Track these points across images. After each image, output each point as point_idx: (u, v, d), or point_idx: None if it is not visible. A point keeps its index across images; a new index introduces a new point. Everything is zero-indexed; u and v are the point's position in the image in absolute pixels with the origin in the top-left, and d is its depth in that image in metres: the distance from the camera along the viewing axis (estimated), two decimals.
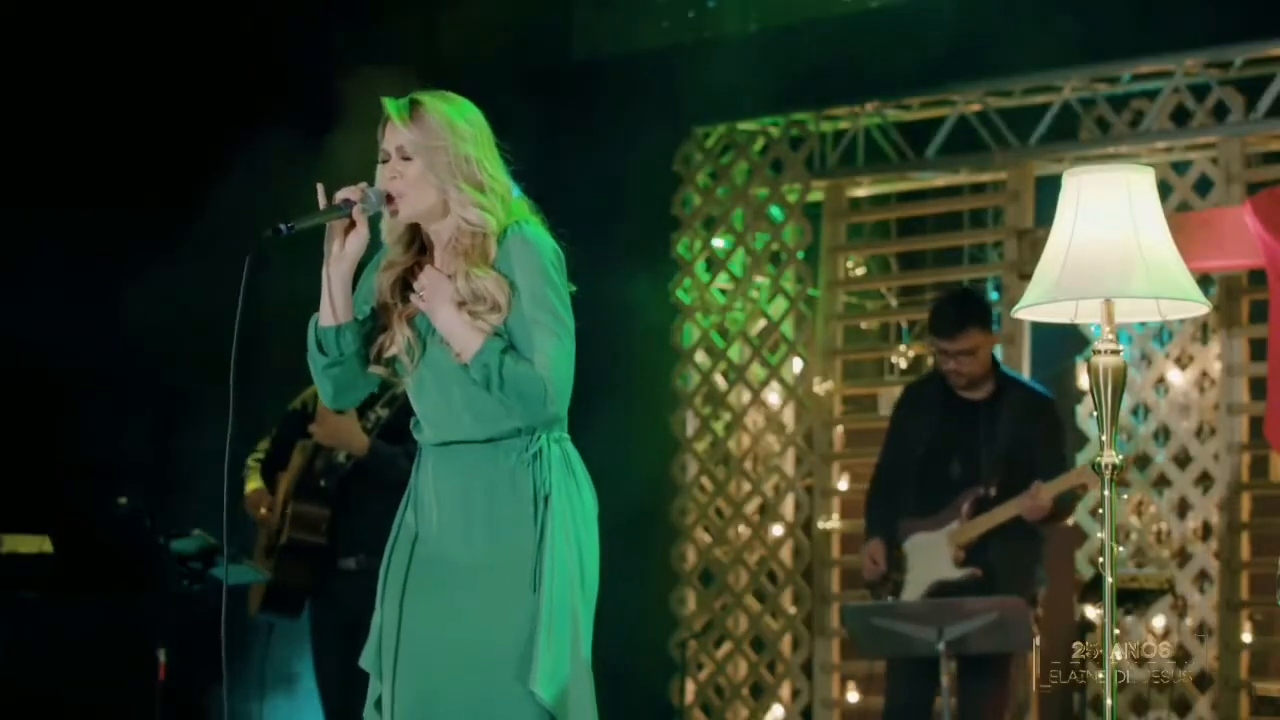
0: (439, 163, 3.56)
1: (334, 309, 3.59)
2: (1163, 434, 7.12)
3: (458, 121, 3.60)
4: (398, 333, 3.65)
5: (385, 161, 3.61)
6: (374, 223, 3.65)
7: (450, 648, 3.56)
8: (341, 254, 3.58)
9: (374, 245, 3.68)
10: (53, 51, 7.42)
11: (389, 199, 3.59)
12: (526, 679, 3.49)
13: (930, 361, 6.49)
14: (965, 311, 6.21)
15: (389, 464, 5.79)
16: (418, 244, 3.69)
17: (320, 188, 3.58)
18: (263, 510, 6.27)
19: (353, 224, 3.57)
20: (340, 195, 3.57)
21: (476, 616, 3.56)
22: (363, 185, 3.59)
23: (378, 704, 3.67)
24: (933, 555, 6.11)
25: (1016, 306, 3.68)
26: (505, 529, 3.57)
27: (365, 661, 3.71)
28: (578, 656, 3.57)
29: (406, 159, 3.58)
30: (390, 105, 3.59)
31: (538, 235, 3.61)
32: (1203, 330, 7.04)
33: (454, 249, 3.61)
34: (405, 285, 3.66)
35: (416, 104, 3.59)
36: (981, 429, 6.16)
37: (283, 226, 3.50)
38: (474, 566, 3.58)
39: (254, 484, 6.33)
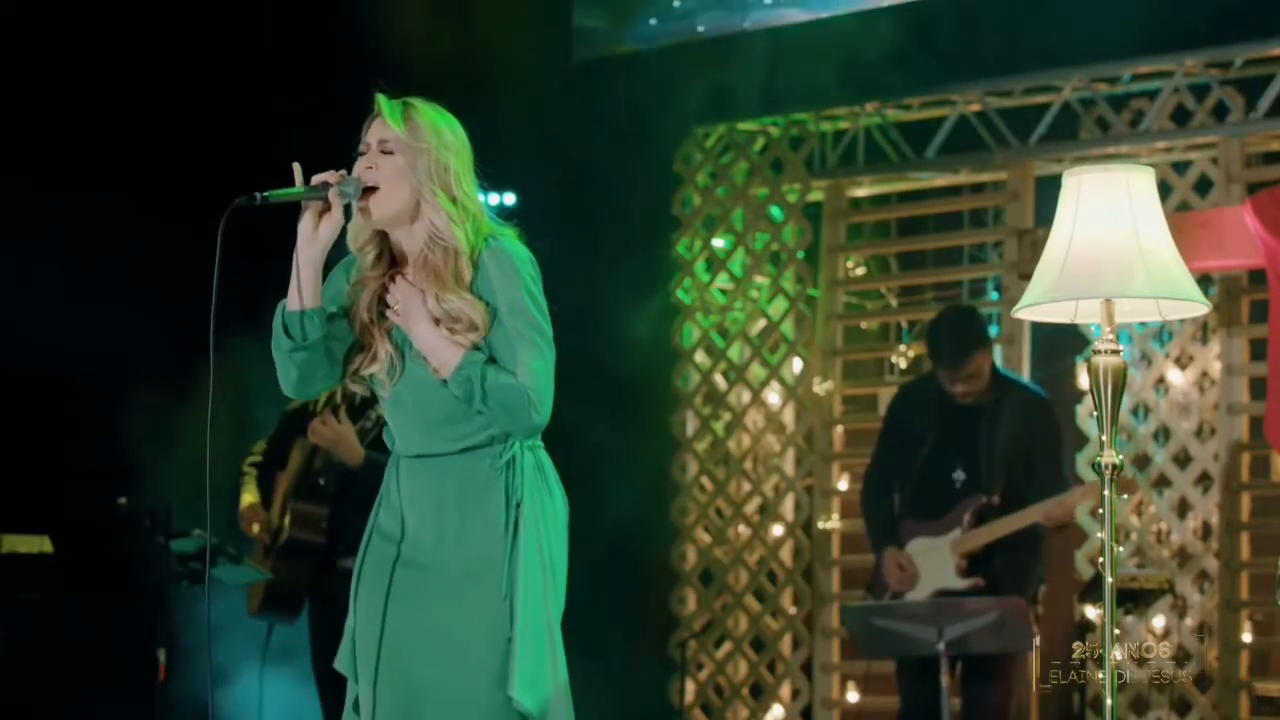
0: (419, 164, 3.56)
1: (301, 294, 3.56)
2: (1163, 434, 7.12)
3: (444, 130, 3.62)
4: (379, 349, 3.63)
5: (364, 154, 3.61)
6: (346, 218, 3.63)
7: (428, 655, 3.55)
8: (314, 237, 3.56)
9: (340, 246, 3.67)
10: (55, 62, 7.43)
11: (365, 191, 3.58)
12: (506, 685, 3.48)
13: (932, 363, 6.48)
14: (965, 338, 6.18)
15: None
16: (388, 257, 3.67)
17: (297, 166, 3.58)
18: (255, 528, 6.26)
19: (327, 207, 3.56)
20: (318, 178, 3.56)
21: (452, 623, 3.54)
22: (342, 171, 3.59)
23: (355, 706, 3.66)
24: (935, 562, 6.12)
25: (1016, 306, 3.68)
26: (477, 535, 3.56)
27: (340, 664, 3.70)
28: (555, 662, 3.56)
29: (387, 153, 3.58)
30: (383, 100, 3.61)
31: (513, 247, 3.60)
32: (1203, 330, 7.04)
33: (424, 265, 3.59)
34: (382, 302, 3.65)
35: (408, 105, 3.61)
36: (982, 433, 6.15)
37: (257, 195, 3.50)
38: (447, 573, 3.57)
39: (250, 497, 6.30)
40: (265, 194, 3.50)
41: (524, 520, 3.55)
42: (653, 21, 8.30)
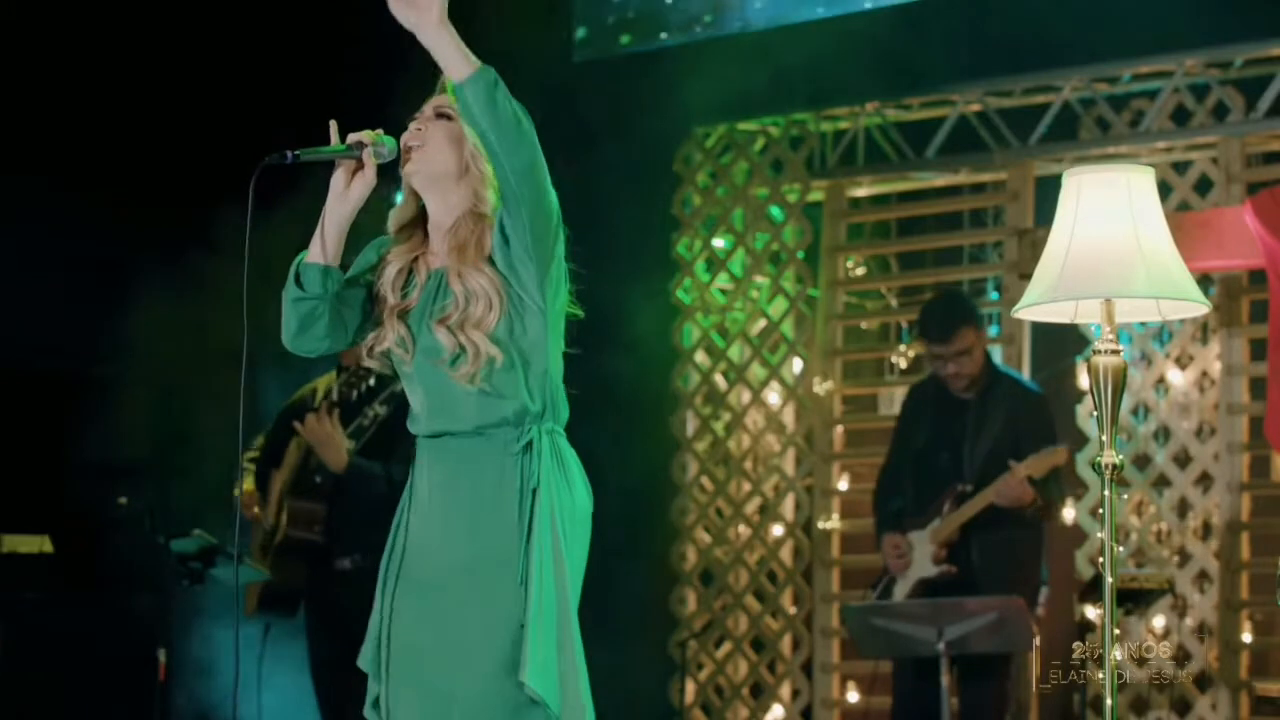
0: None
1: (323, 248, 3.57)
2: (1163, 434, 7.12)
3: None
4: (389, 328, 3.64)
5: (415, 119, 3.61)
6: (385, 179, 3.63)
7: (439, 644, 3.54)
8: (344, 195, 3.57)
9: (379, 223, 3.68)
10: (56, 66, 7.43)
11: (406, 150, 3.57)
12: (518, 672, 3.46)
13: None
14: (954, 312, 6.23)
15: (368, 482, 5.81)
16: (420, 239, 3.68)
17: (333, 124, 3.58)
18: (255, 510, 6.26)
19: (360, 166, 3.56)
20: (353, 137, 3.56)
21: (463, 610, 3.53)
22: (378, 130, 3.59)
23: (375, 703, 3.66)
24: (920, 552, 6.16)
25: (1016, 306, 3.68)
26: (490, 521, 3.54)
27: (363, 661, 3.69)
28: (566, 650, 3.53)
29: (445, 117, 3.59)
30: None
31: None
32: (1203, 330, 7.04)
33: (455, 236, 3.60)
34: (406, 281, 3.66)
35: None
36: (970, 425, 6.18)
37: (288, 153, 3.48)
38: (458, 559, 3.55)
39: (247, 485, 6.31)
40: (297, 152, 3.49)
41: (539, 508, 3.53)
42: (653, 21, 8.32)
